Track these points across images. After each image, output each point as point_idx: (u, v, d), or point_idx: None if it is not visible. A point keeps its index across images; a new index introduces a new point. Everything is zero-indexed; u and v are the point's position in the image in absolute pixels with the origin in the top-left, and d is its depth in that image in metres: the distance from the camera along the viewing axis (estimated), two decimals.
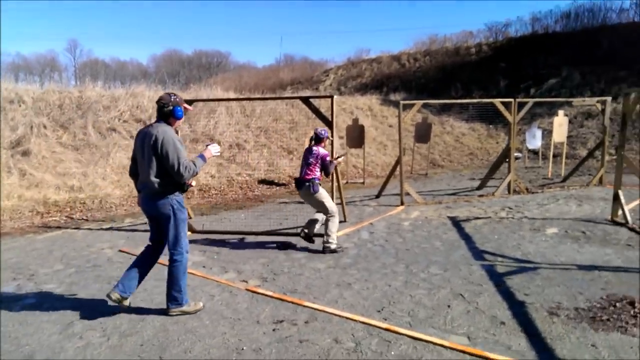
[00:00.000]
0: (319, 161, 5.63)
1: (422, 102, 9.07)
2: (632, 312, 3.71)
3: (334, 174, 6.61)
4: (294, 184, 5.88)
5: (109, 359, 3.21)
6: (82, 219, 8.03)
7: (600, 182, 9.97)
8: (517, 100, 9.06)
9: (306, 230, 5.80)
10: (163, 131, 3.67)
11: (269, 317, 3.82)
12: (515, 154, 15.71)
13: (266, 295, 4.29)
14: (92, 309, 4.03)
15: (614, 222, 6.83)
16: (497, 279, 4.59)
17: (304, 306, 4.01)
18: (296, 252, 5.73)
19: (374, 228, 6.94)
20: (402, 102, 8.62)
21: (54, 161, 9.78)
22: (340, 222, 7.19)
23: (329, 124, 6.41)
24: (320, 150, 5.64)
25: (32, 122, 10.29)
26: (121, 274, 4.88)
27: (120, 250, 5.94)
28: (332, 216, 5.63)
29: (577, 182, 10.58)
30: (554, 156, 13.93)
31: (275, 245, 6.04)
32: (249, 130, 13.63)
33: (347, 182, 11.95)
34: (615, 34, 21.23)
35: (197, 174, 3.82)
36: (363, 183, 11.90)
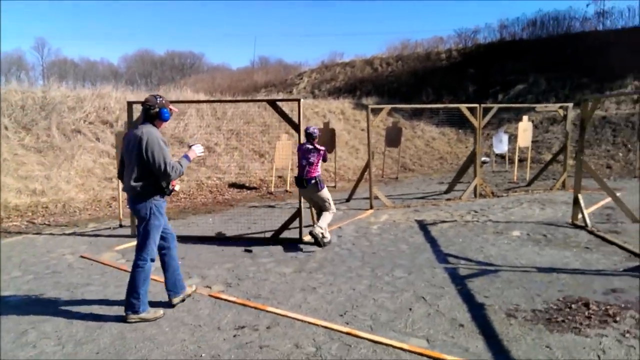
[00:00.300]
0: (320, 157, 5.94)
1: (390, 106, 9.19)
2: (586, 314, 3.83)
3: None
4: (295, 183, 6.07)
5: None
6: (44, 223, 7.78)
7: (563, 186, 10.28)
8: (483, 105, 9.26)
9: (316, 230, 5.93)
10: (148, 132, 3.66)
11: (231, 323, 3.78)
12: (483, 159, 16.11)
13: (229, 300, 4.25)
14: (48, 317, 3.91)
15: (575, 226, 7.04)
16: (459, 282, 4.67)
17: (267, 311, 3.99)
18: (262, 257, 5.69)
19: (342, 232, 6.96)
20: (370, 106, 8.71)
21: (16, 164, 9.46)
22: (309, 225, 7.22)
23: (296, 127, 6.40)
24: (320, 146, 5.98)
25: None
26: (81, 280, 4.80)
27: (82, 256, 5.79)
28: (332, 211, 6.13)
29: (541, 186, 10.88)
30: (520, 161, 14.33)
31: (242, 250, 5.99)
32: (220, 133, 13.51)
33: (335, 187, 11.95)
34: (578, 41, 21.99)
35: (182, 174, 3.82)
36: (335, 187, 11.92)
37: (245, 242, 6.39)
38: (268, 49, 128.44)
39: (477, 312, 3.92)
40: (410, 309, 4.01)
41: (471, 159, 9.76)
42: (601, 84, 18.69)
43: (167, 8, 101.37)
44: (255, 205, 9.30)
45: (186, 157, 3.92)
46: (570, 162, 11.39)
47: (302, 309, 4.03)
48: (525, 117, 11.78)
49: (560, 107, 10.41)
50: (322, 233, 5.93)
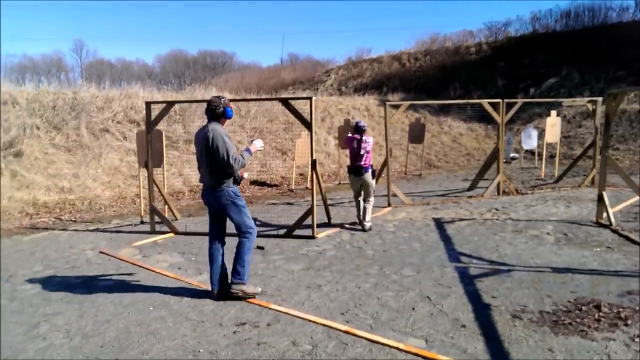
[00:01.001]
0: (371, 147, 6.76)
1: (408, 102, 9.08)
2: (596, 316, 3.69)
3: (315, 175, 6.61)
4: (349, 171, 6.94)
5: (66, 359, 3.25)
6: (71, 220, 8.09)
7: (593, 183, 9.89)
8: (506, 101, 9.00)
9: (362, 220, 6.87)
10: (213, 129, 4.10)
11: (233, 319, 3.84)
12: (512, 155, 15.71)
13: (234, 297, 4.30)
14: (61, 311, 4.07)
15: (599, 224, 6.78)
16: (468, 281, 4.58)
17: (270, 308, 4.03)
18: (273, 254, 5.74)
19: (356, 229, 6.93)
20: (388, 102, 8.60)
21: (46, 162, 9.86)
22: (325, 223, 7.24)
23: (308, 124, 6.41)
24: (369, 137, 6.79)
25: (25, 124, 10.38)
26: (98, 274, 4.98)
27: (101, 252, 5.99)
28: (372, 200, 6.95)
29: (569, 183, 10.51)
30: (551, 157, 13.87)
31: (255, 247, 6.04)
32: (243, 131, 13.68)
33: (339, 183, 11.95)
34: (615, 33, 21.06)
35: (244, 165, 4.19)
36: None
37: (260, 238, 6.45)
38: (298, 46, 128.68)
39: (482, 313, 3.84)
40: (414, 309, 3.96)
41: (494, 155, 9.52)
42: (639, 77, 17.84)
43: (199, 9, 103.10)
44: (274, 203, 9.38)
45: (247, 150, 4.36)
46: (599, 158, 10.94)
47: (304, 307, 4.05)
48: (553, 112, 11.38)
49: (590, 102, 10.01)
50: (370, 224, 6.85)
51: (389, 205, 8.55)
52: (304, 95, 24.45)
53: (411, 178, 12.87)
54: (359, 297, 4.24)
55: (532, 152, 15.18)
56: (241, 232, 4.28)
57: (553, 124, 11.17)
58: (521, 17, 27.80)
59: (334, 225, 7.14)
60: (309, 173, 11.45)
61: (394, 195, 8.70)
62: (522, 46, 23.62)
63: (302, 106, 17.05)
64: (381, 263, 5.25)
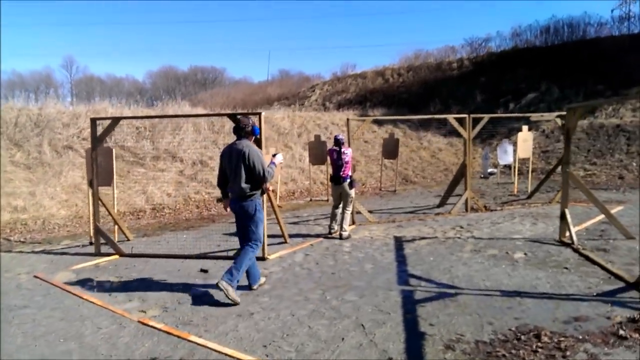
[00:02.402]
0: (351, 158, 7.13)
1: (371, 118, 9.01)
2: (533, 347, 3.43)
3: (268, 195, 6.35)
4: (331, 180, 7.34)
5: None
6: (19, 240, 7.75)
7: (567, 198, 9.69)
8: (472, 116, 8.85)
9: (336, 227, 7.37)
10: (248, 145, 4.63)
11: (145, 353, 3.53)
12: (490, 170, 15.57)
13: (155, 328, 4.00)
14: None
15: (562, 243, 6.56)
16: (410, 307, 4.31)
17: (189, 340, 3.72)
18: (216, 277, 5.41)
19: (312, 250, 6.66)
20: (349, 118, 8.42)
21: (3, 181, 9.53)
22: (280, 243, 6.97)
23: (257, 141, 6.15)
24: (347, 149, 7.17)
25: None
26: (21, 302, 4.71)
27: (35, 276, 5.66)
28: (350, 210, 7.33)
29: (541, 199, 10.34)
30: (533, 172, 13.73)
31: (199, 269, 5.75)
32: (215, 147, 13.41)
33: (310, 200, 11.70)
34: (593, 48, 21.25)
35: (273, 177, 4.81)
36: (327, 200, 11.63)
37: (208, 260, 6.16)
38: (288, 62, 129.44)
39: (414, 343, 3.56)
40: (343, 339, 3.68)
41: (462, 171, 9.33)
42: (616, 91, 17.89)
43: (190, 25, 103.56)
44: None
45: (273, 164, 4.87)
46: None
47: (227, 338, 3.76)
48: (525, 127, 11.26)
49: (558, 116, 9.89)
50: (347, 232, 7.23)
51: (353, 223, 8.29)
52: (292, 109, 24.29)
53: (385, 194, 12.65)
54: (289, 327, 3.96)
55: (509, 167, 15.06)
56: (250, 241, 4.70)
57: (525, 139, 11.04)
58: (501, 33, 28.00)
59: (311, 236, 6.87)
60: (279, 190, 11.22)
61: (358, 212, 8.45)
62: (503, 62, 23.76)
63: (279, 122, 16.95)
64: (326, 287, 4.97)
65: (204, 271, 5.65)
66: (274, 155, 5.02)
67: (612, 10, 36.00)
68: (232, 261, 4.71)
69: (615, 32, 22.68)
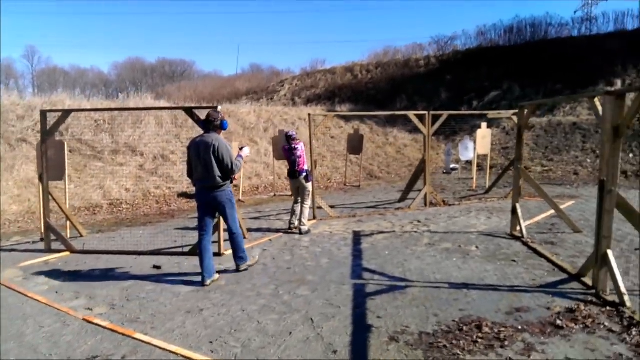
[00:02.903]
0: (303, 151, 7.17)
1: (333, 114, 9.00)
2: (474, 337, 3.53)
3: None
4: (288, 175, 7.42)
5: None
6: None
7: (519, 193, 9.98)
8: (432, 113, 9.00)
9: (296, 223, 7.38)
10: (217, 139, 4.86)
11: (87, 352, 3.46)
12: (452, 166, 15.89)
13: (100, 325, 3.92)
14: None
15: (512, 236, 6.77)
16: (360, 300, 4.36)
17: (133, 338, 3.66)
18: (168, 274, 5.36)
19: (270, 245, 6.65)
20: (311, 114, 8.42)
21: None
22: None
23: None
24: (298, 144, 7.16)
25: None
26: None
27: None
28: (308, 204, 7.38)
29: (498, 194, 10.62)
30: (490, 167, 14.07)
31: (152, 266, 5.66)
32: (178, 141, 13.18)
33: (274, 195, 11.67)
34: (554, 48, 21.91)
35: (240, 169, 5.12)
36: (291, 195, 11.61)
37: (163, 257, 6.06)
38: (260, 56, 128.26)
39: (360, 336, 3.61)
40: (291, 333, 3.70)
41: (422, 167, 9.48)
42: (574, 90, 18.53)
43: (159, 18, 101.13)
44: (196, 217, 8.95)
45: (240, 157, 5.17)
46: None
47: (173, 335, 3.71)
48: (484, 124, 11.53)
49: (514, 114, 10.14)
50: (306, 227, 7.25)
51: (314, 218, 8.32)
52: (261, 104, 24.09)
53: (349, 189, 12.73)
54: (238, 322, 3.94)
55: (470, 163, 15.39)
56: (233, 227, 5.09)
57: (483, 136, 11.30)
58: (467, 32, 28.62)
59: (272, 231, 6.85)
60: (241, 185, 11.13)
61: (319, 207, 8.49)
62: (468, 60, 24.23)
63: (244, 116, 16.78)
64: (279, 282, 4.98)
65: (157, 267, 5.57)
66: (241, 149, 5.29)
67: (574, 12, 37.32)
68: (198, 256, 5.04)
69: (575, 33, 23.41)
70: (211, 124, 4.93)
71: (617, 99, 4.18)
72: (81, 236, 7.23)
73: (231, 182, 5.06)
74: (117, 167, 10.93)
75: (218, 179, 4.83)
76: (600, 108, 4.51)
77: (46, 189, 6.40)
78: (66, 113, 6.50)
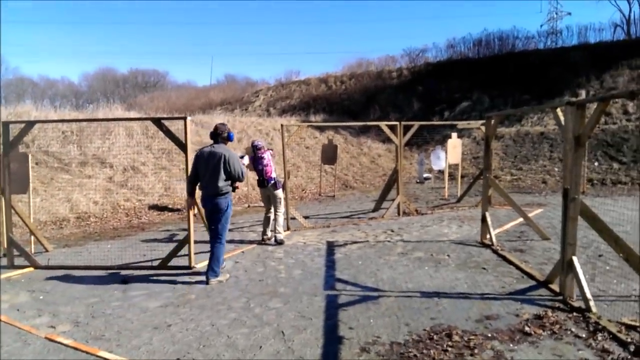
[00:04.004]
0: (269, 160, 7.15)
1: (305, 124, 9.00)
2: (444, 346, 3.55)
3: (197, 205, 6.18)
4: (258, 184, 7.38)
5: None
6: None
7: (489, 202, 10.18)
8: (403, 123, 9.12)
9: (269, 234, 7.36)
10: (226, 149, 5.28)
11: None
12: (425, 175, 16.10)
13: (63, 344, 3.77)
14: None
15: (483, 244, 6.87)
16: (332, 312, 4.33)
17: (97, 356, 3.54)
18: (136, 289, 5.22)
19: (243, 257, 6.57)
20: (284, 125, 8.43)
21: None
22: (201, 252, 6.82)
23: (182, 146, 6.03)
24: (264, 153, 7.16)
25: None
26: None
27: None
28: (282, 211, 7.36)
29: (469, 203, 10.80)
30: (462, 177, 14.32)
31: (119, 281, 5.50)
32: (149, 152, 12.97)
33: (248, 206, 11.57)
34: (521, 60, 22.58)
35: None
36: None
37: (132, 271, 5.90)
38: (234, 67, 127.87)
39: (331, 348, 3.58)
40: (261, 347, 3.63)
41: (394, 177, 9.57)
42: (541, 101, 19.10)
43: (131, 28, 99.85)
44: (169, 229, 8.80)
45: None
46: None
47: (139, 352, 3.60)
48: (454, 135, 11.76)
49: (483, 124, 10.38)
50: (282, 235, 7.25)
51: (288, 229, 8.27)
52: (235, 115, 23.97)
53: (324, 199, 12.74)
54: (207, 337, 3.85)
55: (443, 172, 15.63)
56: (217, 237, 5.28)
57: (454, 146, 11.51)
58: (437, 44, 29.33)
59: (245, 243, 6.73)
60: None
61: (293, 218, 8.45)
62: (439, 72, 24.73)
63: (208, 127, 16.60)
64: (251, 295, 4.91)
65: (125, 282, 5.41)
66: (241, 157, 5.83)
67: (540, 26, 38.76)
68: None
69: (541, 45, 24.21)
70: (219, 136, 5.36)
71: (578, 109, 4.32)
72: (46, 251, 6.99)
73: (233, 190, 5.40)
74: (85, 180, 10.65)
75: (221, 186, 5.19)
76: (562, 118, 4.65)
77: (8, 202, 6.17)
78: (30, 124, 6.32)
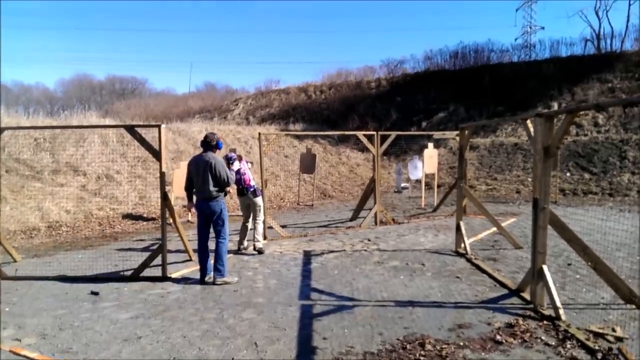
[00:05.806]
0: (247, 169, 7.19)
1: (283, 133, 9.05)
2: (416, 356, 3.56)
3: (168, 210, 6.11)
4: (237, 194, 7.28)
5: None
6: None
7: (464, 211, 10.32)
8: (380, 133, 9.20)
9: (245, 243, 7.35)
10: (214, 157, 5.61)
11: None
12: (403, 184, 16.24)
13: (27, 357, 3.65)
14: None
15: (457, 253, 6.95)
16: (307, 322, 4.31)
17: None
18: (107, 300, 5.10)
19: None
20: (262, 133, 8.41)
21: None
22: (187, 260, 6.74)
23: (156, 154, 5.95)
24: (238, 164, 7.05)
25: None
26: None
27: None
28: (261, 219, 7.30)
29: (445, 212, 10.93)
30: (438, 186, 14.49)
31: (89, 292, 5.37)
32: (124, 160, 12.75)
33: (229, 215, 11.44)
34: (496, 72, 23.08)
35: (234, 182, 5.98)
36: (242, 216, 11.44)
37: (101, 284, 5.76)
38: (214, 75, 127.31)
39: (304, 359, 3.55)
40: (233, 359, 3.58)
41: (372, 186, 9.63)
42: (514, 112, 19.53)
43: (109, 34, 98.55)
44: (143, 239, 8.64)
45: (232, 171, 6.16)
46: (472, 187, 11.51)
47: None
48: (430, 145, 11.92)
49: (457, 135, 10.55)
50: (260, 243, 7.25)
51: (265, 238, 8.21)
52: (214, 123, 23.80)
53: (302, 209, 12.72)
54: (178, 349, 3.78)
55: (420, 182, 15.79)
56: (220, 237, 5.67)
57: (430, 156, 11.66)
58: (415, 56, 29.82)
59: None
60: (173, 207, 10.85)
61: (270, 227, 8.40)
62: (416, 83, 25.09)
63: (196, 134, 16.49)
64: (224, 305, 4.84)
65: (95, 293, 5.28)
66: (231, 163, 6.50)
67: (515, 39, 39.80)
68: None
69: (515, 58, 24.82)
70: (208, 144, 5.68)
71: (547, 120, 4.43)
72: (15, 261, 6.78)
73: (225, 195, 5.71)
74: (57, 188, 10.40)
75: (212, 191, 5.53)
76: (532, 129, 4.76)
77: None
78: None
